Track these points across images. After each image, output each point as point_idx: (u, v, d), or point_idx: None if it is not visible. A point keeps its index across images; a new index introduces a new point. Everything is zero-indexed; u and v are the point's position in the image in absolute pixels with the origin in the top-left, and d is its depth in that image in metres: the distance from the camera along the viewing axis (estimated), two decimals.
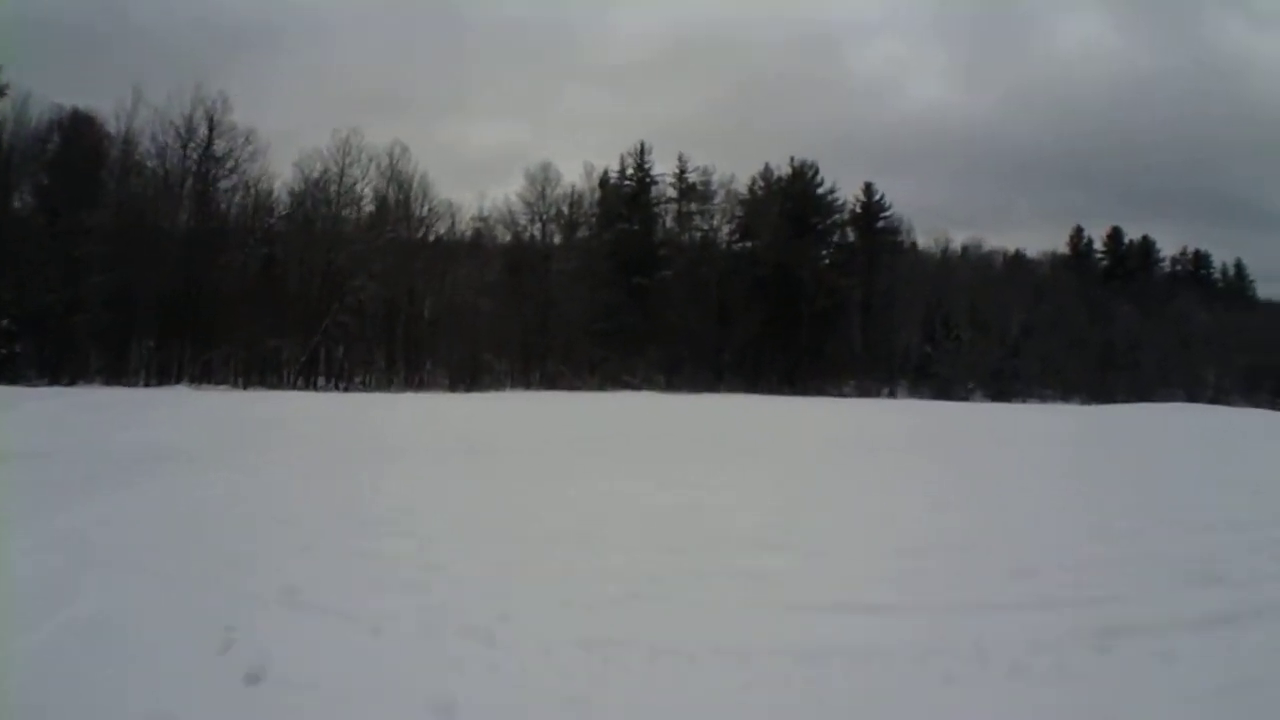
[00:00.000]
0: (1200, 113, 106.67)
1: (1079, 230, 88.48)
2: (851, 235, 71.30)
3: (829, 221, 70.28)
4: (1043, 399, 67.54)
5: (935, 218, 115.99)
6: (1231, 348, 75.51)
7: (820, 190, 69.62)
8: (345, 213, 59.22)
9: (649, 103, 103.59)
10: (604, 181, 68.93)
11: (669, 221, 70.17)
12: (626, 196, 68.46)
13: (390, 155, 59.25)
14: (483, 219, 65.57)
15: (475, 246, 66.39)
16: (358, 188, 59.05)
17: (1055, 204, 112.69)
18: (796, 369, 64.32)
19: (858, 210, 71.35)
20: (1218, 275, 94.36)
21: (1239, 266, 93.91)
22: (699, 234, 69.56)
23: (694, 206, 69.54)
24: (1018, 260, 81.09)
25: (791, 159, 69.88)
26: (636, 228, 67.17)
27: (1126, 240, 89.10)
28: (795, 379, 63.61)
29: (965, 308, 70.25)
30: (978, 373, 67.54)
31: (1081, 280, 79.40)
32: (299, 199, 57.70)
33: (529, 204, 66.35)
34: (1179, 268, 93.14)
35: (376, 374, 58.06)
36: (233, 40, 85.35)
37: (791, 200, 68.23)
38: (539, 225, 67.32)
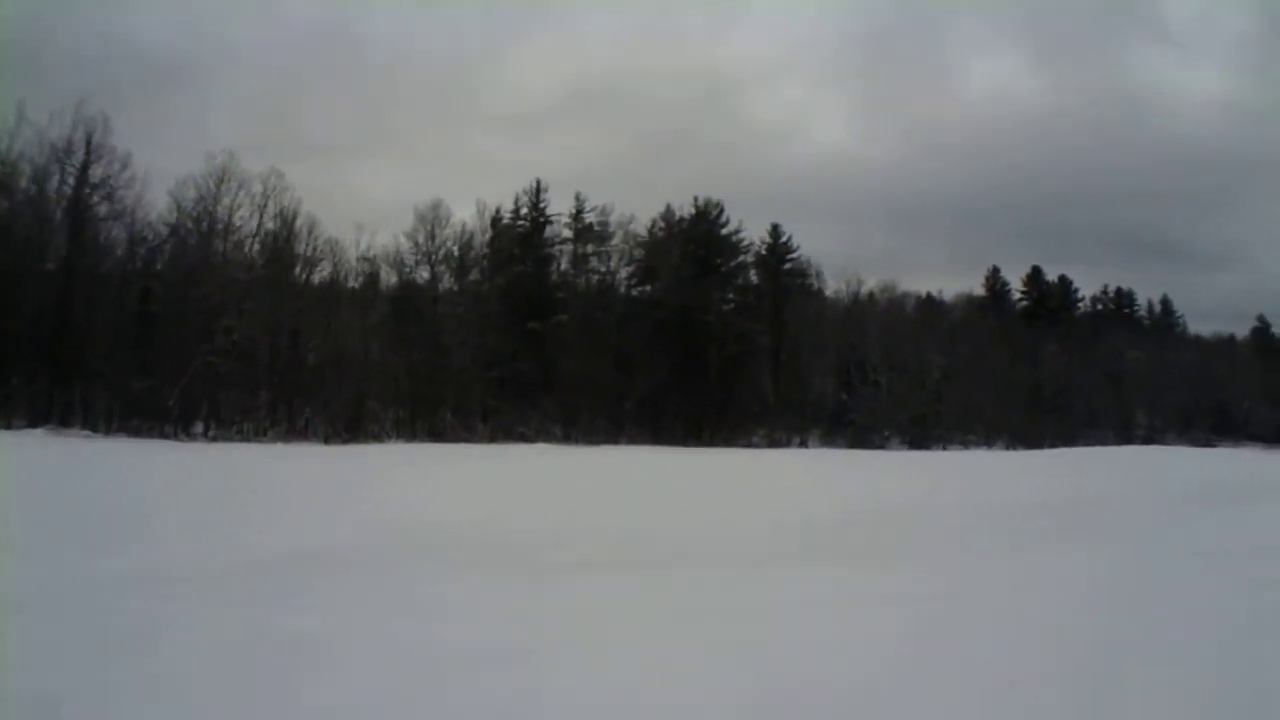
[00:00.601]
0: (1120, 152, 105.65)
1: (995, 271, 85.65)
2: (757, 278, 67.15)
3: (734, 263, 66.02)
4: (964, 444, 63.71)
5: (844, 261, 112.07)
6: (1162, 385, 73.05)
7: (725, 230, 65.56)
8: (218, 245, 53.59)
9: (548, 150, 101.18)
10: (496, 221, 63.78)
11: (564, 264, 65.33)
12: (520, 236, 63.57)
13: (265, 184, 53.89)
14: (368, 259, 59.79)
15: (362, 288, 60.85)
16: (235, 218, 53.83)
17: (968, 246, 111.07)
18: (703, 418, 59.60)
19: (763, 252, 67.45)
20: (1144, 313, 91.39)
21: (1165, 303, 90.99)
22: (596, 277, 64.81)
23: (591, 248, 64.80)
24: (931, 303, 77.20)
25: (695, 199, 65.91)
26: (530, 269, 62.26)
27: (1046, 280, 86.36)
28: (702, 429, 58.90)
29: (880, 353, 66.18)
30: (897, 419, 63.40)
31: (1001, 322, 76.24)
32: (173, 228, 52.21)
33: (417, 244, 61.14)
34: (1101, 306, 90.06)
35: (256, 423, 51.92)
36: (121, 68, 79.39)
37: (694, 242, 64.08)
38: (428, 267, 62.07)
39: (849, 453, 52.87)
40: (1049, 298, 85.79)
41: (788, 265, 67.28)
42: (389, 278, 61.85)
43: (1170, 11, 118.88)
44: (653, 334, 59.77)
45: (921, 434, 62.98)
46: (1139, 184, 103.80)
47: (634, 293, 64.79)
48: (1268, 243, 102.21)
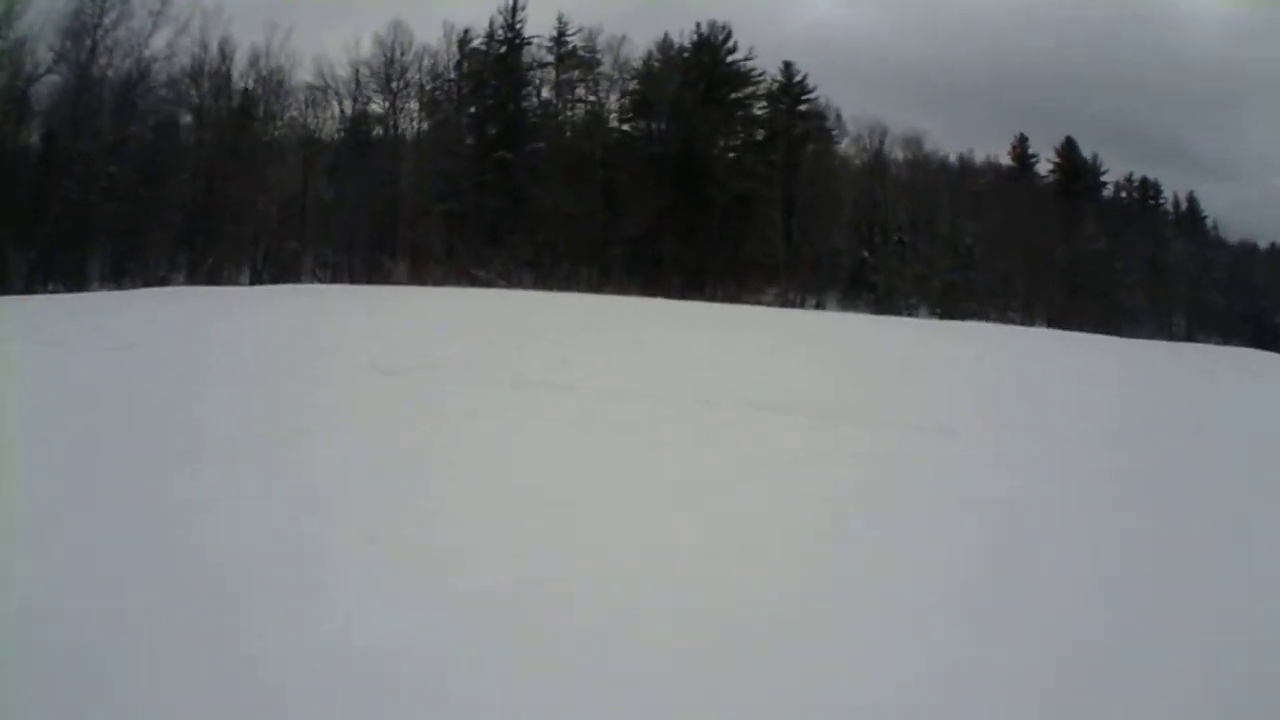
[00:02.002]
0: (1129, 49, 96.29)
1: (1022, 140, 75.10)
2: (769, 117, 57.41)
3: (742, 93, 56.40)
4: (999, 319, 55.25)
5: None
6: (1202, 284, 65.74)
7: (732, 59, 55.84)
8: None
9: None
10: (464, 43, 54.05)
11: (545, 93, 55.62)
12: (492, 60, 53.84)
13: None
14: (320, 87, 50.11)
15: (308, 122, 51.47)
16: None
17: (984, 121, 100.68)
18: (705, 269, 50.57)
19: (775, 91, 57.44)
20: (1169, 208, 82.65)
21: (1192, 200, 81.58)
22: (582, 106, 55.17)
23: (576, 75, 55.04)
24: (964, 166, 67.25)
25: (698, 25, 56.08)
26: (504, 95, 52.75)
27: (1080, 153, 77.16)
28: (703, 282, 49.94)
29: (906, 211, 57.31)
30: (925, 286, 54.76)
31: (1032, 193, 67.25)
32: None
33: (374, 71, 52.25)
34: (1125, 195, 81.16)
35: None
36: None
37: (697, 71, 54.53)
38: (387, 97, 53.07)
39: (897, 320, 44.40)
40: (1083, 173, 76.89)
41: (803, 106, 57.51)
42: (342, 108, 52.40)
43: None
44: (647, 170, 50.66)
45: (952, 304, 54.41)
46: (1147, 80, 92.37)
47: (626, 127, 55.37)
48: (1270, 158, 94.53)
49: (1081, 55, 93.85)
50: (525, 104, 54.55)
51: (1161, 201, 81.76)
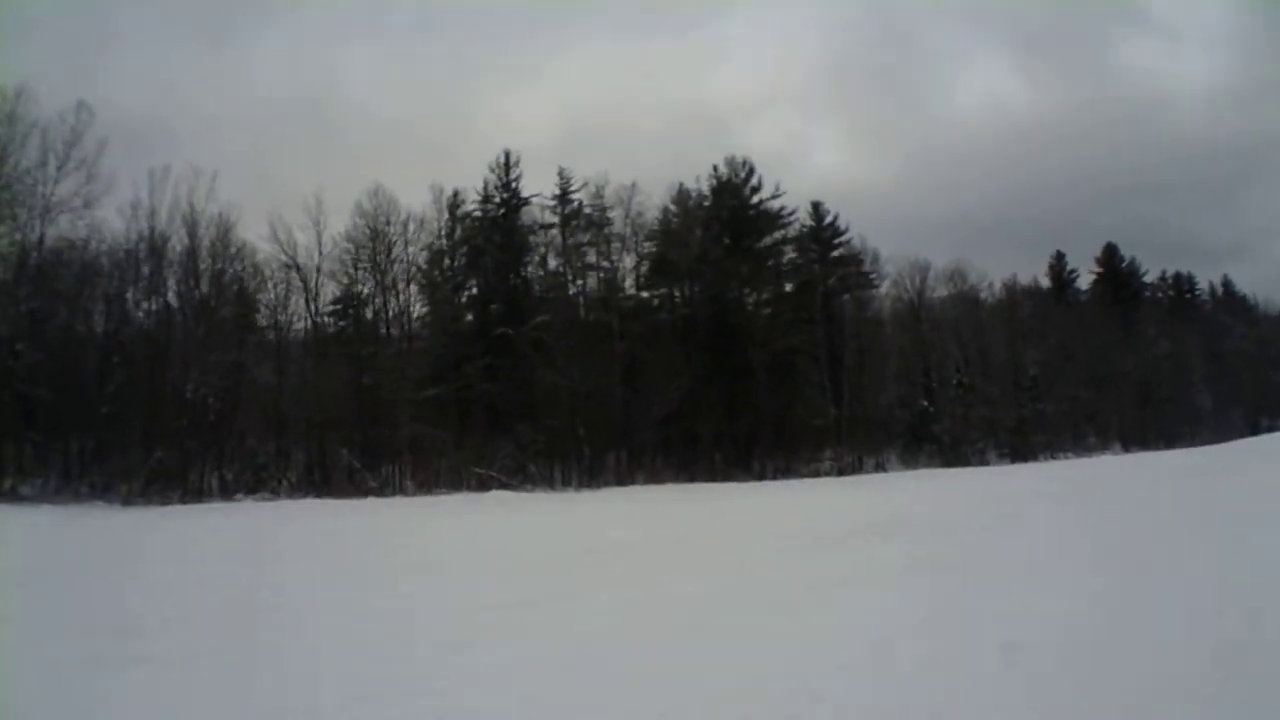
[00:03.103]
0: (1121, 151, 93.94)
1: (1059, 257, 70.82)
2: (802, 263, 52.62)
3: (774, 239, 51.67)
4: (1077, 451, 49.79)
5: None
6: (1267, 365, 60.61)
7: (758, 199, 51.43)
8: None
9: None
10: (454, 206, 48.55)
11: (551, 260, 50.46)
12: (488, 223, 48.97)
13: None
14: (294, 265, 44.29)
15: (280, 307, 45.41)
16: None
17: (1013, 247, 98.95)
18: (751, 443, 45.17)
19: (804, 234, 52.54)
20: (1206, 297, 77.39)
21: (1227, 284, 77.03)
22: (593, 274, 50.14)
23: (584, 237, 49.87)
24: (1010, 293, 61.53)
25: (715, 167, 51.96)
26: (501, 262, 47.90)
27: (1122, 258, 72.51)
28: (750, 457, 44.62)
29: (959, 350, 52.13)
30: (993, 427, 49.37)
31: (1082, 310, 62.19)
32: None
33: (358, 246, 45.58)
34: (1161, 295, 76.00)
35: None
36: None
37: (720, 219, 49.87)
38: (372, 273, 46.29)
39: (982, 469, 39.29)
40: (1125, 279, 72.07)
41: (837, 251, 52.60)
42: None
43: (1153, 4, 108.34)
44: (672, 337, 45.85)
45: (1023, 441, 49.06)
46: (1144, 180, 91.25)
47: (645, 293, 50.52)
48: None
49: (1090, 167, 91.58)
50: (528, 273, 49.51)
51: (1198, 293, 77.05)
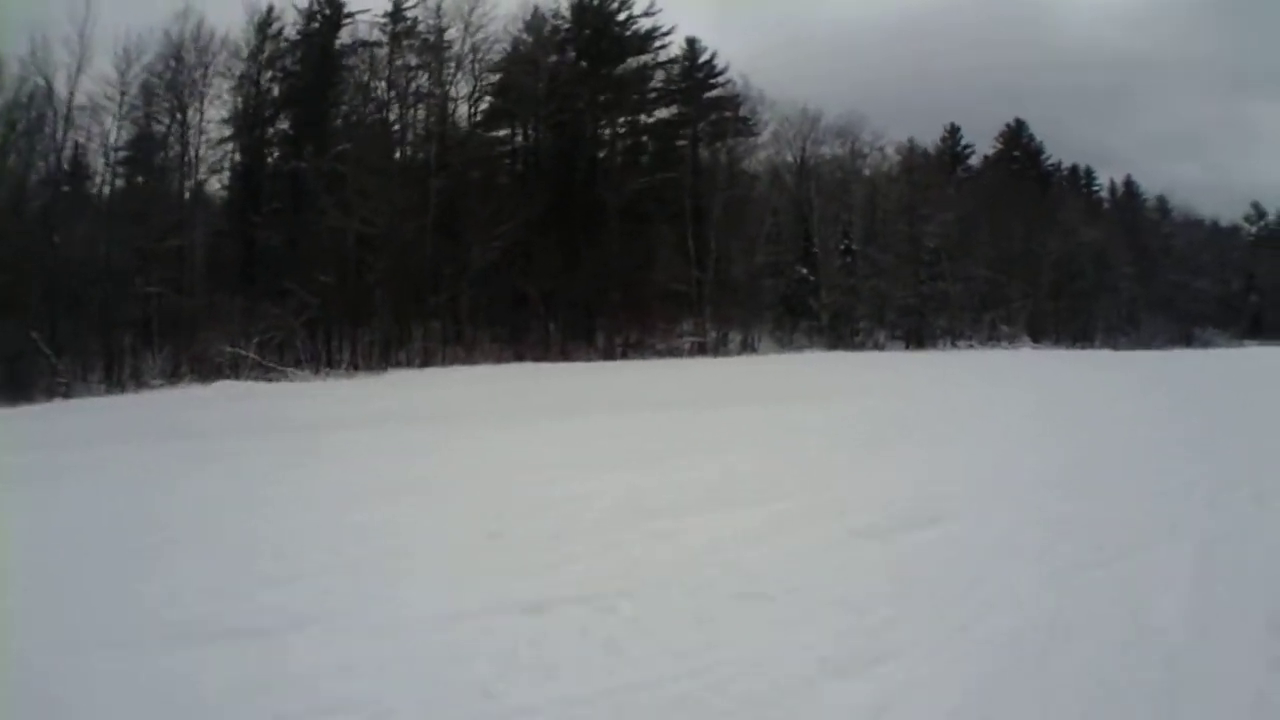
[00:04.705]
0: (1008, 50, 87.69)
1: (954, 130, 62.74)
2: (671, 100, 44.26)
3: (640, 63, 43.00)
4: (983, 339, 43.70)
5: None
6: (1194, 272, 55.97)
7: (626, 15, 42.71)
8: None
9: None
10: (265, 25, 39.15)
11: (376, 87, 41.18)
12: (306, 41, 39.69)
13: None
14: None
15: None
16: None
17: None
18: (597, 310, 37.46)
19: (675, 72, 44.22)
20: (1105, 194, 70.63)
21: (1130, 184, 69.77)
22: (424, 103, 41.11)
23: (414, 59, 40.81)
24: (911, 153, 53.21)
25: None
26: (307, 85, 38.84)
27: (1029, 135, 65.26)
28: (592, 326, 37.02)
29: (846, 216, 44.91)
30: (885, 305, 42.70)
31: (988, 184, 54.80)
32: None
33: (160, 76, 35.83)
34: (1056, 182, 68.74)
35: None
36: None
37: (583, 37, 41.36)
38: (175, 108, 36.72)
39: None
40: (1034, 160, 64.99)
41: (714, 91, 44.40)
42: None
43: None
44: (508, 174, 37.75)
45: (920, 324, 42.59)
46: (1028, 82, 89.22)
47: (480, 131, 41.74)
48: (1150, 147, 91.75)
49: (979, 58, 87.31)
50: (345, 100, 40.45)
51: (1097, 189, 70.60)
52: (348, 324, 34.04)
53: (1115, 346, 46.24)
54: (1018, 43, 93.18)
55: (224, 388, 24.81)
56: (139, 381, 28.29)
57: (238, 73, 37.93)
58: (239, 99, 38.25)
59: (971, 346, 43.31)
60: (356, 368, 31.96)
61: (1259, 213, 74.58)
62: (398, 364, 32.30)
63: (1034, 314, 47.48)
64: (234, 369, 28.62)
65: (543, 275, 34.33)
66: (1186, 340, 51.33)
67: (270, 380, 27.26)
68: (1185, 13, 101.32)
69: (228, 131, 38.21)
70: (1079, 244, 49.75)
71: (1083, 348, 45.10)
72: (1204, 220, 68.32)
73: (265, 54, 39.16)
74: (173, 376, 28.53)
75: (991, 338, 45.45)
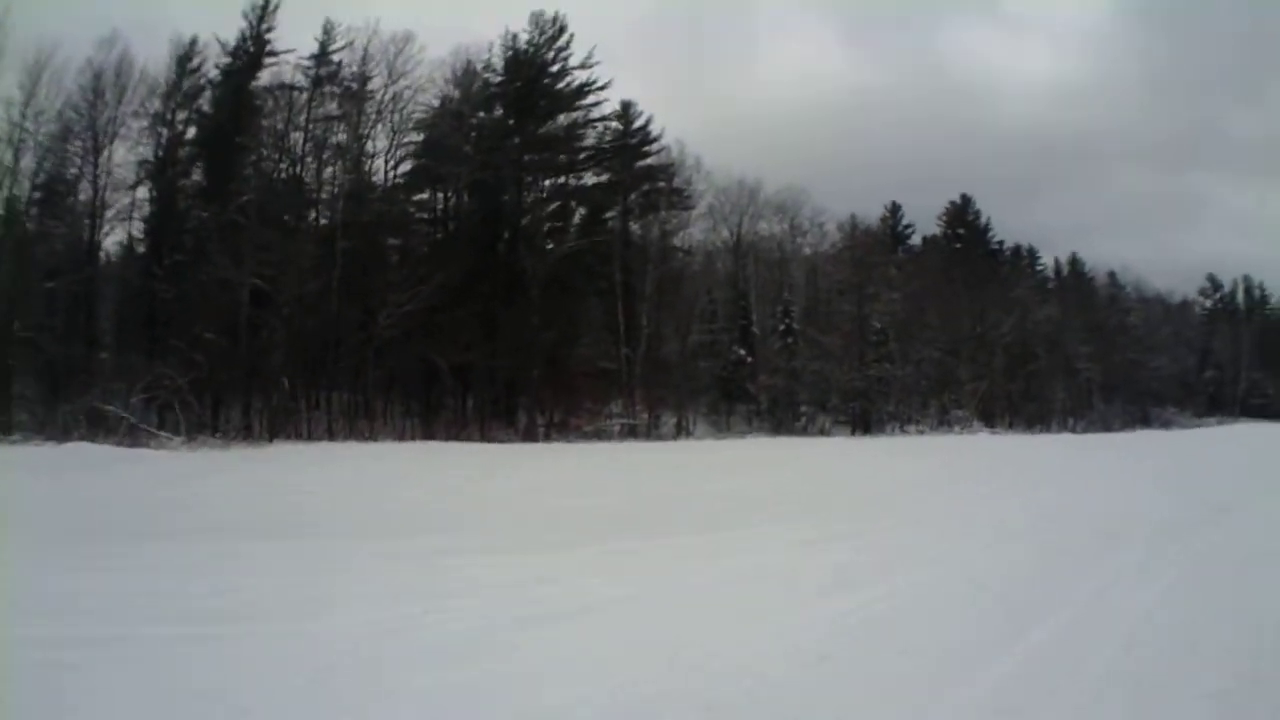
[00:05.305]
0: (940, 134, 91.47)
1: (894, 209, 61.12)
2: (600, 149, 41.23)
3: (573, 119, 39.98)
4: (934, 425, 41.35)
5: None
6: (1154, 349, 54.59)
7: (561, 68, 39.59)
8: None
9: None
10: (185, 60, 35.26)
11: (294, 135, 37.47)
12: (226, 81, 36.11)
13: None
14: None
15: None
16: None
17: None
18: (518, 388, 34.33)
19: (608, 136, 41.28)
20: (1050, 273, 68.80)
21: (1075, 262, 68.47)
22: (339, 158, 37.63)
23: (334, 108, 37.48)
24: (851, 233, 50.63)
25: (513, 36, 39.57)
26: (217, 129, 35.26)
27: (976, 212, 63.49)
28: (514, 408, 34.01)
29: (786, 294, 42.48)
30: (829, 389, 40.09)
31: (936, 262, 52.49)
32: None
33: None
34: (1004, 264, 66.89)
35: None
36: None
37: (516, 90, 38.41)
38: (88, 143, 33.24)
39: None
40: (981, 237, 63.06)
41: (648, 160, 41.71)
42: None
43: None
44: (424, 236, 34.69)
45: (868, 408, 40.07)
46: (968, 164, 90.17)
47: (400, 186, 38.39)
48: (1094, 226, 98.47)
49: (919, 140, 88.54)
50: (256, 149, 36.73)
51: (1041, 268, 68.91)
52: (239, 389, 30.65)
53: (1074, 430, 44.37)
54: (958, 126, 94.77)
55: (74, 450, 21.61)
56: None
57: (153, 110, 34.81)
58: (153, 139, 34.97)
59: (922, 432, 40.93)
60: (247, 437, 28.57)
61: (1214, 285, 74.09)
62: (294, 436, 28.96)
63: (986, 397, 45.07)
64: (105, 428, 25.27)
65: (455, 346, 31.07)
66: (1144, 420, 49.66)
67: (136, 445, 23.98)
68: (1125, 90, 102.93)
69: (137, 175, 35.03)
70: (1033, 323, 47.78)
71: (1040, 431, 43.06)
72: (1159, 295, 67.32)
73: (183, 90, 36.00)
74: (43, 429, 25.13)
75: (943, 423, 43.06)
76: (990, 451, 29.44)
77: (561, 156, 39.29)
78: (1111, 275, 64.86)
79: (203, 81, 35.95)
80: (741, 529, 12.15)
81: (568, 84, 39.35)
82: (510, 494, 17.00)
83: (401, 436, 29.86)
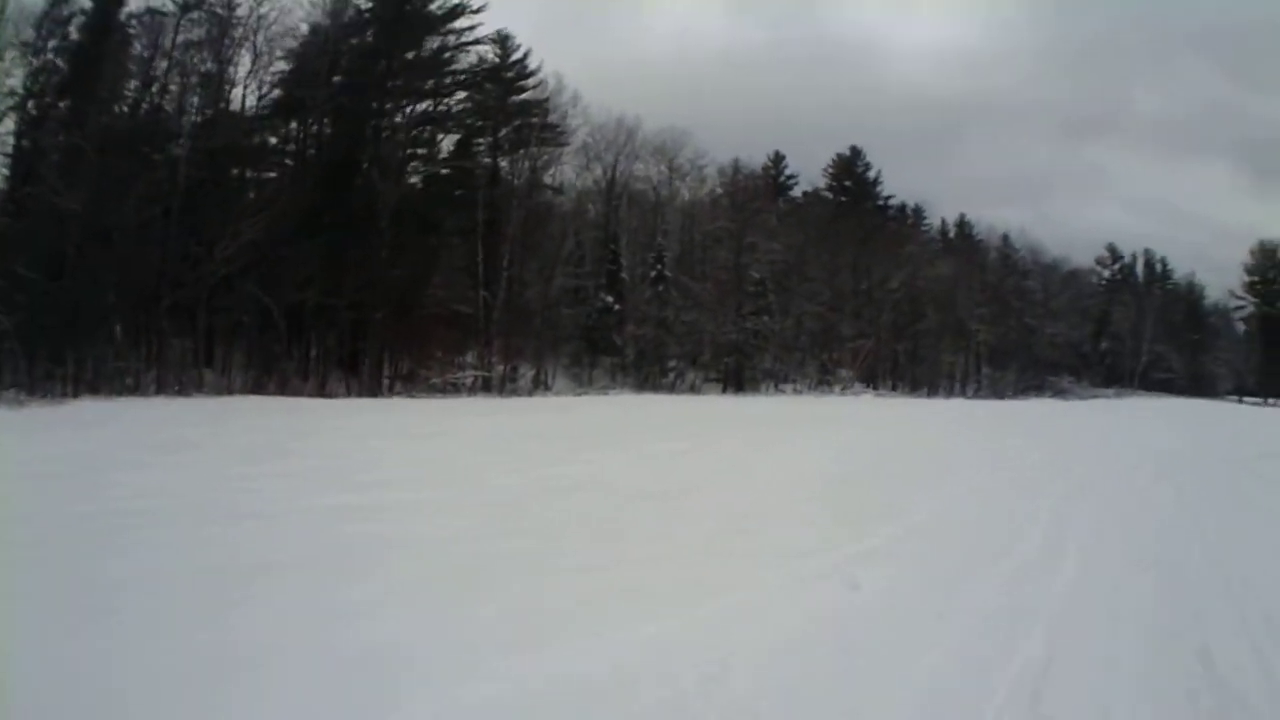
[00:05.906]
0: (826, 93, 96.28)
1: (778, 158, 60.20)
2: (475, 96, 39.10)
3: (441, 44, 37.58)
4: (814, 386, 40.47)
5: None
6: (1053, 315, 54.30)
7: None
8: None
9: None
10: None
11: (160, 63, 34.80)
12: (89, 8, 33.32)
13: None
14: None
15: None
16: None
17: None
18: (364, 333, 32.42)
19: (480, 65, 39.07)
20: (936, 234, 68.71)
21: (963, 224, 68.33)
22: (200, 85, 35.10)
23: (199, 33, 34.70)
24: (737, 175, 47.97)
25: None
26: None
27: (865, 163, 62.79)
28: (356, 352, 32.20)
29: (660, 240, 40.96)
30: (701, 343, 38.90)
31: (821, 214, 51.33)
32: None
33: None
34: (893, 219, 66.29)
35: None
36: None
37: (383, 21, 36.02)
38: None
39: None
40: (870, 191, 62.11)
41: (524, 94, 39.87)
42: None
43: None
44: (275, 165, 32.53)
45: (743, 365, 38.98)
46: (855, 121, 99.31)
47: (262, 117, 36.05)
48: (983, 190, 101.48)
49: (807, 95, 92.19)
50: (120, 77, 34.18)
51: (926, 228, 68.40)
52: (67, 334, 28.25)
53: (965, 395, 43.88)
54: (846, 83, 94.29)
55: None
56: None
57: (21, 38, 32.26)
58: (25, 68, 32.43)
59: (799, 392, 39.93)
60: (75, 392, 26.17)
61: (1114, 255, 74.00)
62: (123, 391, 26.66)
63: (871, 356, 44.18)
64: None
65: (289, 286, 29.11)
66: (1039, 388, 49.46)
67: None
68: (1021, 58, 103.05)
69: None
70: (924, 280, 46.96)
71: (928, 396, 42.44)
72: (1055, 262, 67.11)
73: (51, 17, 33.33)
74: None
75: (822, 382, 42.08)
76: (878, 420, 27.50)
77: (430, 81, 37.25)
78: (1005, 238, 64.43)
79: (75, 8, 34.05)
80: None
81: (441, 4, 37.25)
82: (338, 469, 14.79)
83: (231, 390, 27.81)
